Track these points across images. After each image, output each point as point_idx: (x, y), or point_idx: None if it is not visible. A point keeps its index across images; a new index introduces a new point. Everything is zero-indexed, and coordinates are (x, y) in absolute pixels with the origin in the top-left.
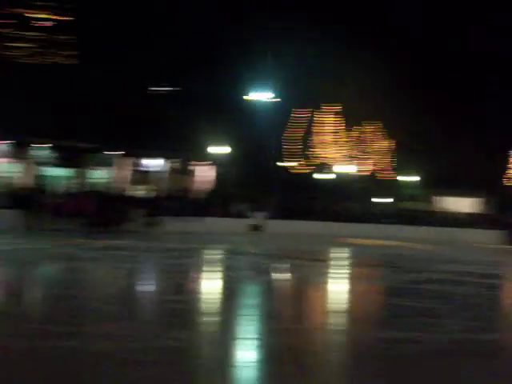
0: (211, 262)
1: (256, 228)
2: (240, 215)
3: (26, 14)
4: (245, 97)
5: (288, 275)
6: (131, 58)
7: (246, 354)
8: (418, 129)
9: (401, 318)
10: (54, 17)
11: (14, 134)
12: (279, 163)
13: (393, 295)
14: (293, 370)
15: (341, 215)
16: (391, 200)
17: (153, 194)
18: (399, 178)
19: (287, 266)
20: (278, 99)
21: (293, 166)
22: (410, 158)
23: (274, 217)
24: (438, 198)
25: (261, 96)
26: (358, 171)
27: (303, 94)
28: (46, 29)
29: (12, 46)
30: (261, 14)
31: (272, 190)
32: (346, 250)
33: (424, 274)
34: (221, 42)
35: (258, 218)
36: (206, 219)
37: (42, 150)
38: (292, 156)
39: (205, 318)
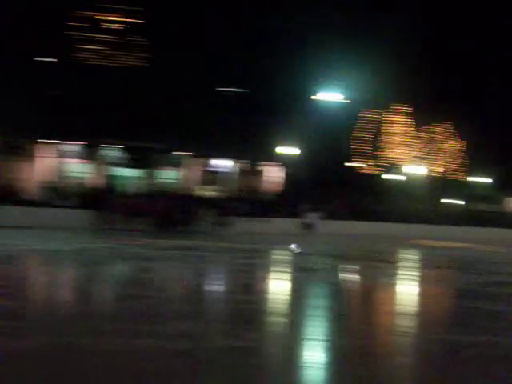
0: (280, 263)
1: (308, 227)
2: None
3: (98, 17)
4: (314, 97)
5: (357, 276)
6: (201, 59)
7: (315, 354)
8: (491, 130)
9: (472, 320)
10: (125, 19)
11: (85, 135)
12: (348, 164)
13: (463, 297)
14: (362, 372)
15: (409, 216)
16: (461, 201)
17: (222, 195)
18: (470, 179)
19: (356, 267)
20: (348, 100)
21: (361, 167)
22: (482, 158)
23: (340, 217)
24: (509, 200)
25: (330, 96)
26: (428, 172)
27: (372, 94)
28: (117, 31)
29: (83, 48)
30: (331, 15)
31: (339, 190)
32: (415, 251)
33: (494, 276)
34: (290, 42)
35: (311, 217)
36: (275, 220)
37: (112, 151)
38: (361, 157)
39: (274, 319)
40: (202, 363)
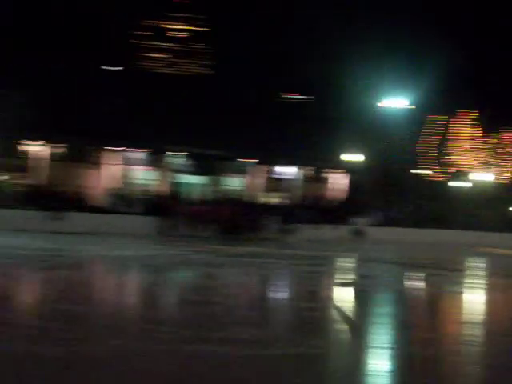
0: (344, 270)
1: (357, 233)
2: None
3: (162, 26)
4: (379, 104)
5: (423, 284)
6: (266, 66)
7: (380, 362)
8: None
9: None
10: (189, 27)
11: (150, 142)
12: (414, 171)
13: None
14: (427, 381)
15: (475, 224)
16: None
17: (286, 202)
18: None
19: (422, 274)
20: (413, 106)
21: (427, 174)
22: None
23: (404, 224)
24: None
25: (395, 103)
26: (495, 179)
27: (438, 101)
28: (182, 40)
29: (149, 56)
30: (395, 22)
31: (404, 197)
32: (481, 259)
33: None
34: (354, 48)
35: (359, 223)
36: (339, 227)
37: (177, 158)
38: (427, 163)
39: (339, 326)
40: (266, 370)
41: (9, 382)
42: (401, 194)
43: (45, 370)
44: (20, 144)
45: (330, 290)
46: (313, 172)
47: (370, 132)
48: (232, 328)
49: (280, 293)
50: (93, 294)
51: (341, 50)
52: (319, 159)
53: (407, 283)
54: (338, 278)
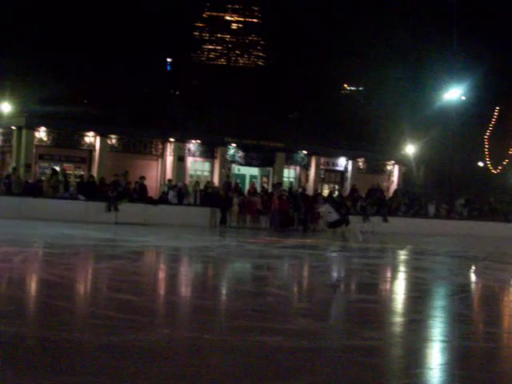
0: (399, 262)
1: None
2: (427, 215)
3: (220, 18)
4: (439, 95)
5: (483, 277)
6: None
7: (436, 355)
8: None
9: None
10: (243, 19)
11: (206, 133)
12: (479, 164)
13: None
14: (482, 375)
15: None
16: None
17: (340, 194)
18: None
19: (482, 267)
20: (475, 98)
21: (490, 166)
22: None
23: (463, 217)
24: None
25: (456, 95)
26: None
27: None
28: (239, 31)
29: (207, 48)
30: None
31: (464, 190)
32: None
33: None
34: (414, 40)
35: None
36: (394, 219)
37: (232, 149)
38: (490, 156)
39: (395, 319)
40: (322, 361)
41: (65, 368)
42: (460, 187)
43: (99, 357)
44: (78, 135)
45: (386, 283)
46: (366, 163)
47: (430, 124)
48: (288, 319)
49: (335, 284)
50: (150, 284)
51: (401, 42)
52: (373, 151)
53: (467, 276)
54: (393, 270)
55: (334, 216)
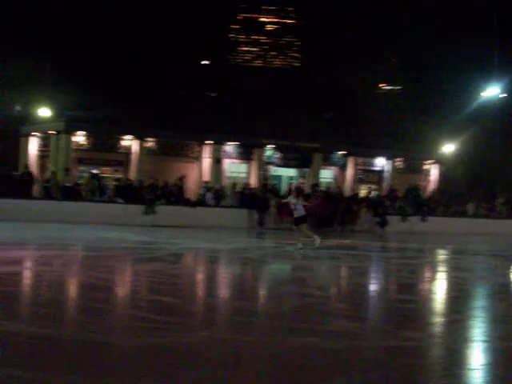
0: (439, 262)
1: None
2: (466, 215)
3: (254, 19)
4: (477, 94)
5: None
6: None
7: (475, 356)
8: None
9: None
10: (278, 20)
11: (243, 135)
12: None
13: None
14: None
15: None
16: None
17: (379, 194)
18: None
19: None
20: (505, 95)
21: None
22: None
23: (499, 216)
24: None
25: (494, 93)
26: None
27: None
28: (273, 32)
29: (242, 50)
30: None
31: (503, 189)
32: None
33: None
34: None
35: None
36: (433, 219)
37: (269, 151)
38: None
39: (434, 319)
40: (361, 362)
41: (104, 370)
42: (499, 186)
43: (138, 360)
44: (116, 139)
45: (424, 283)
46: (404, 163)
47: (467, 122)
48: (327, 320)
49: (374, 285)
50: (189, 286)
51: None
52: (411, 150)
53: (504, 275)
54: (432, 270)
55: (301, 211)
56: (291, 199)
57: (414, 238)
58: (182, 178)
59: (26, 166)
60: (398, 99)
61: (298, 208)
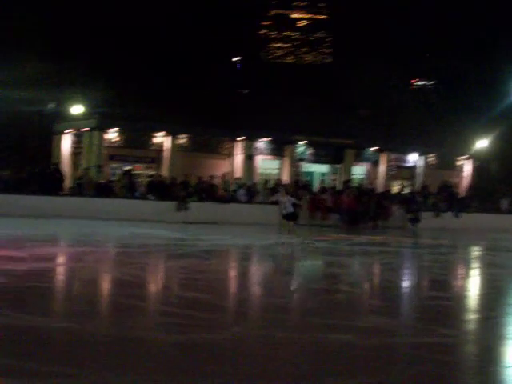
0: (472, 259)
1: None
2: (500, 211)
3: (285, 15)
4: (509, 89)
5: None
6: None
7: (510, 354)
8: None
9: None
10: (310, 16)
11: (275, 131)
12: None
13: None
14: None
15: None
16: None
17: (410, 190)
18: None
19: None
20: None
21: None
22: None
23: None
24: None
25: None
26: None
27: None
28: (304, 28)
29: (274, 46)
30: None
31: None
32: None
33: None
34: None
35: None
36: (466, 215)
37: (301, 147)
38: None
39: (468, 316)
40: (394, 358)
41: (137, 366)
42: None
43: (171, 356)
44: (148, 136)
45: (459, 280)
46: (437, 159)
47: (500, 118)
48: (359, 316)
49: (407, 281)
50: (221, 282)
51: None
52: (444, 146)
53: None
54: (466, 267)
55: (289, 208)
56: (280, 197)
57: (446, 234)
58: (212, 177)
59: (55, 164)
60: (431, 94)
61: (287, 205)
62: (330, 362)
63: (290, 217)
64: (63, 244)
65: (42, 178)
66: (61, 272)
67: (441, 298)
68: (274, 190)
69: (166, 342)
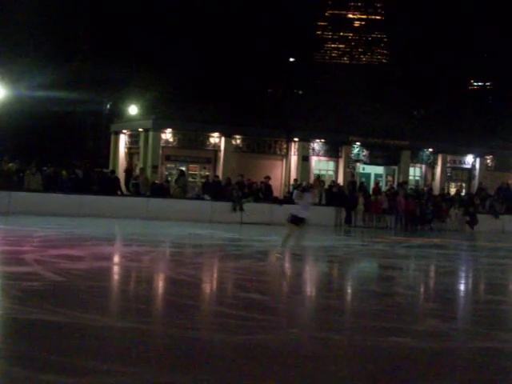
0: None
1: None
2: None
3: (343, 16)
4: None
5: None
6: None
7: None
8: None
9: None
10: (366, 16)
11: (330, 132)
12: None
13: None
14: None
15: None
16: None
17: (468, 192)
18: None
19: None
20: None
21: None
22: None
23: None
24: None
25: None
26: None
27: None
28: (360, 29)
29: (330, 47)
30: None
31: None
32: None
33: None
34: None
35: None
36: None
37: (357, 148)
38: None
39: None
40: (452, 364)
41: (193, 366)
42: None
43: (227, 357)
44: (203, 136)
45: None
46: (495, 160)
47: None
48: (416, 320)
49: (464, 284)
50: (277, 284)
51: None
52: (502, 147)
53: None
54: None
55: (302, 213)
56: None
57: (505, 236)
58: (267, 177)
59: (112, 170)
60: (488, 95)
61: (300, 210)
62: (389, 366)
63: (300, 221)
64: (119, 243)
65: (101, 181)
66: (117, 271)
67: (500, 302)
68: (304, 189)
69: (223, 342)
